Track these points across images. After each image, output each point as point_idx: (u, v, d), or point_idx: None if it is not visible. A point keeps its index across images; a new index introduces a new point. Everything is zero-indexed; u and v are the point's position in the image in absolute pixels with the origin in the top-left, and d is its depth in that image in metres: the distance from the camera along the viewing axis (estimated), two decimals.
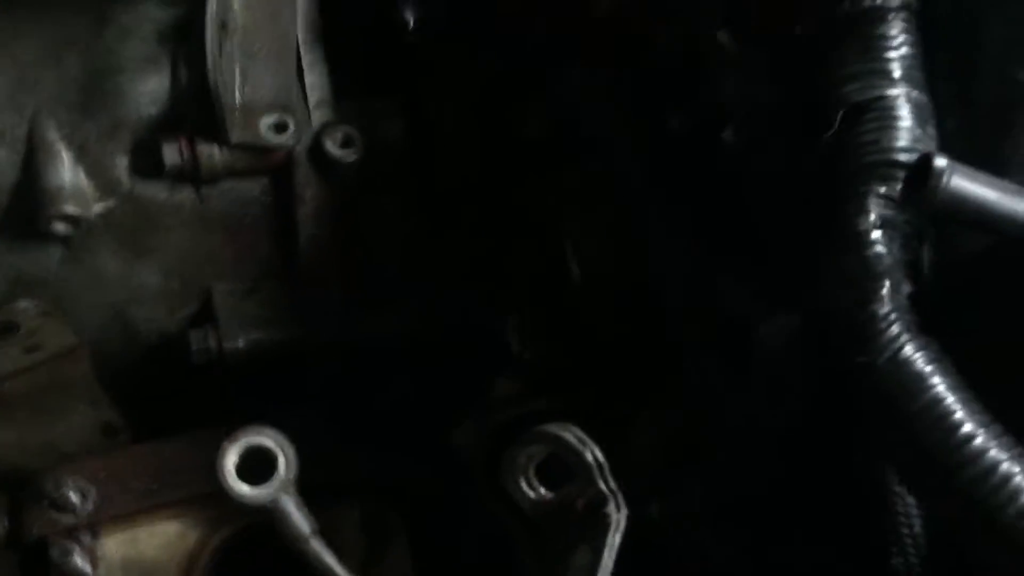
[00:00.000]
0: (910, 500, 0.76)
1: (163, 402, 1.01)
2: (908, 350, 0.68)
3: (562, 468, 0.76)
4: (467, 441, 0.98)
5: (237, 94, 0.96)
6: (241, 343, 0.99)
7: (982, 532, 0.66)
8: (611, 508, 0.73)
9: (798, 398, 0.81)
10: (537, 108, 1.04)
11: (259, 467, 0.76)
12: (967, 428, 0.66)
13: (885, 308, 0.70)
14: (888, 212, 0.72)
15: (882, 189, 0.72)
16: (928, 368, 0.68)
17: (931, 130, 0.73)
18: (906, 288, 0.71)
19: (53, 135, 0.97)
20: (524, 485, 0.75)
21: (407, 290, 1.04)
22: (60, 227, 0.97)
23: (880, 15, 0.74)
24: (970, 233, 0.72)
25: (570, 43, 1.00)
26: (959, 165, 0.68)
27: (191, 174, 0.98)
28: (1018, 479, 0.64)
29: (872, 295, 0.70)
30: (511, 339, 1.02)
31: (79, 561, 0.84)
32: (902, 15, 0.74)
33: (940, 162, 0.68)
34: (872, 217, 0.72)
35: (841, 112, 0.74)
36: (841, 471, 0.80)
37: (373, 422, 0.97)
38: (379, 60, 1.07)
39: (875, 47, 0.74)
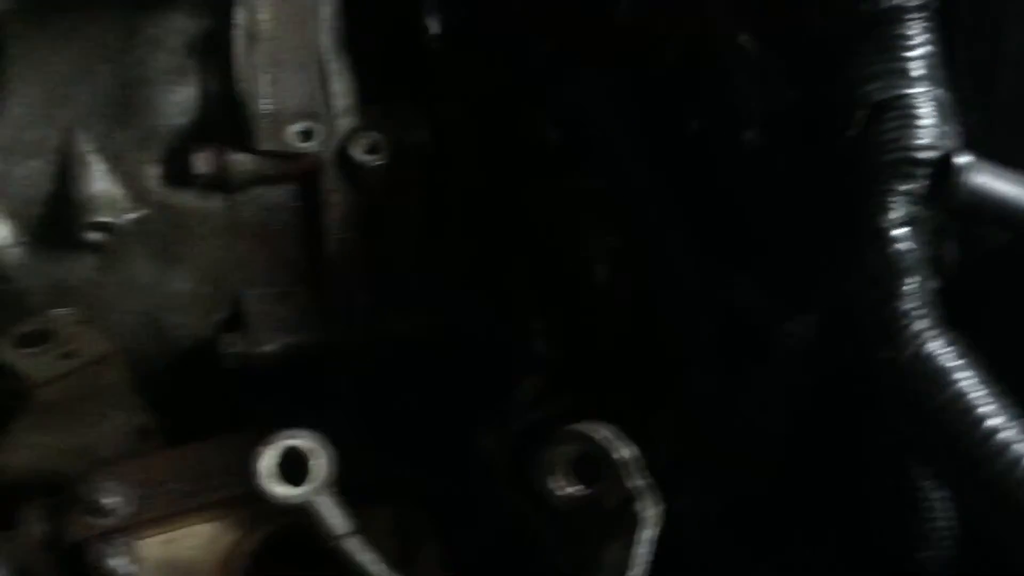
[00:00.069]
0: (937, 494, 0.77)
1: (195, 406, 1.02)
2: (932, 345, 0.69)
3: (592, 466, 0.76)
4: (494, 441, 0.99)
5: (264, 102, 0.97)
6: (271, 347, 1.01)
7: (1009, 524, 0.66)
8: (642, 504, 0.73)
9: (810, 396, 0.81)
10: (554, 112, 1.05)
11: (295, 468, 0.77)
12: (992, 421, 0.67)
13: (909, 304, 0.70)
14: (911, 209, 0.73)
15: (905, 187, 0.73)
16: (952, 363, 0.69)
17: (953, 128, 0.74)
18: (930, 284, 0.72)
19: (86, 146, 0.99)
20: (556, 483, 0.76)
21: (429, 292, 1.06)
22: (94, 236, 0.98)
23: (900, 14, 0.75)
24: (993, 229, 0.72)
25: (588, 46, 1.01)
26: (981, 162, 0.69)
27: (221, 182, 0.99)
28: None
29: (896, 291, 0.71)
30: (536, 340, 1.03)
31: (117, 563, 0.85)
32: (922, 14, 0.75)
33: (962, 159, 0.68)
34: (895, 215, 0.72)
35: (863, 111, 0.75)
36: (853, 469, 0.81)
37: (398, 424, 0.98)
38: (402, 66, 1.08)
39: (896, 46, 0.75)
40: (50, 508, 0.88)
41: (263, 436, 0.78)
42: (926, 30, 0.75)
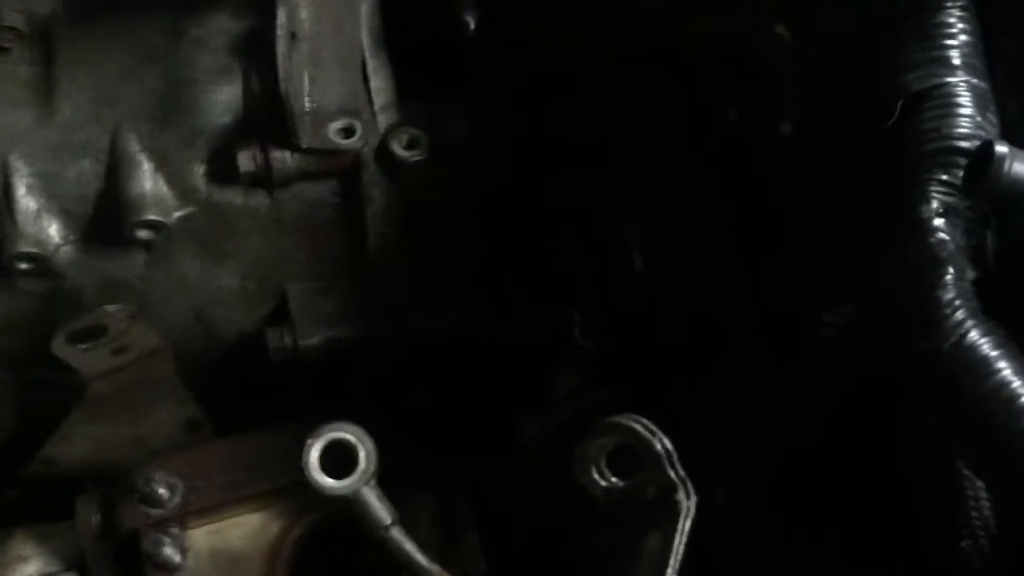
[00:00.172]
0: (978, 483, 0.76)
1: (242, 398, 1.05)
2: (973, 335, 0.69)
3: (629, 458, 0.77)
4: (535, 433, 1.00)
5: (306, 101, 0.99)
6: (316, 340, 1.02)
7: None
8: (681, 495, 0.74)
9: (847, 387, 0.81)
10: (589, 106, 1.06)
11: (340, 460, 0.79)
12: None
13: (949, 294, 0.70)
14: (950, 199, 0.72)
15: (944, 176, 0.73)
16: (993, 353, 0.69)
17: (992, 117, 0.74)
18: (970, 274, 0.72)
19: (134, 146, 1.01)
20: (596, 474, 0.77)
21: (468, 286, 1.07)
22: (143, 233, 1.01)
23: (938, 4, 0.75)
24: None
25: (622, 40, 1.01)
26: (1020, 151, 0.68)
27: (265, 179, 1.01)
28: None
29: (936, 281, 0.71)
30: (575, 333, 1.04)
31: (169, 552, 0.87)
32: (960, 3, 0.75)
33: (1001, 149, 0.68)
34: (935, 204, 0.72)
35: (901, 101, 0.75)
36: (891, 459, 0.80)
37: (436, 417, 0.99)
38: (440, 63, 1.09)
39: (934, 35, 0.75)
40: (104, 498, 0.90)
41: (309, 428, 0.79)
42: (964, 19, 0.74)
